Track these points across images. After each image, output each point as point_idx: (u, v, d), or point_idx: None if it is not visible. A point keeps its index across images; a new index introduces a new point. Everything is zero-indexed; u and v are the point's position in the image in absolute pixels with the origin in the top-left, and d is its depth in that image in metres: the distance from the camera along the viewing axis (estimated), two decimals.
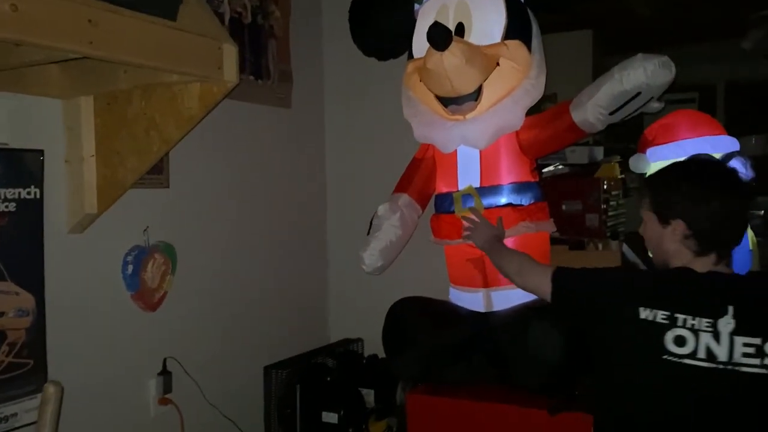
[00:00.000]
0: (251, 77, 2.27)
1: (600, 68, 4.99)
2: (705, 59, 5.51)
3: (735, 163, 2.65)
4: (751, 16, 4.43)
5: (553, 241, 2.52)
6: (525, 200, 1.87)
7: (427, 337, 1.88)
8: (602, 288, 1.38)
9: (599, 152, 3.50)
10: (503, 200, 1.87)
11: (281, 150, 2.44)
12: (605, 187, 3.36)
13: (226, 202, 2.20)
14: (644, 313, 1.28)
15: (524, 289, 1.60)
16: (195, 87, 1.52)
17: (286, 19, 2.43)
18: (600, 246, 2.33)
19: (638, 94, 1.63)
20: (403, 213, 1.97)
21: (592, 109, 1.70)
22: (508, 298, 1.88)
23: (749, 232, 2.05)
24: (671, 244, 1.36)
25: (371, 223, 1.98)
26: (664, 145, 2.83)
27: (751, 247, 2.13)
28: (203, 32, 1.44)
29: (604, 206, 3.31)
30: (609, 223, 3.45)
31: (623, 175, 3.68)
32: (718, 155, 2.63)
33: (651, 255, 1.49)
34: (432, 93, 1.85)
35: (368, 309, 2.15)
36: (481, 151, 1.88)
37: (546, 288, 1.47)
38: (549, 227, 1.92)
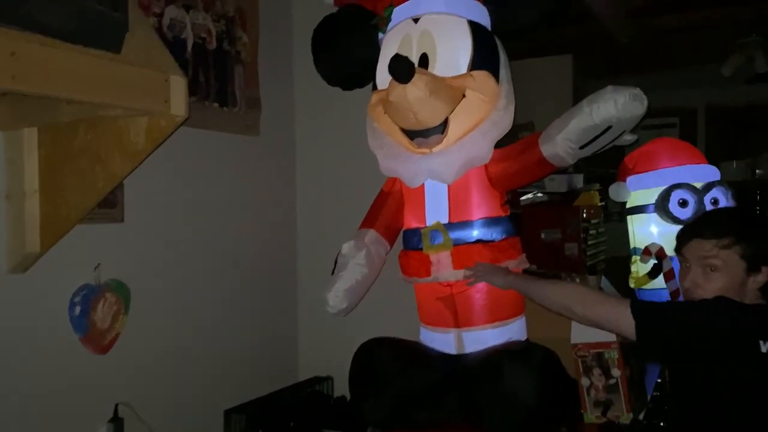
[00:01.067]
0: (216, 104, 2.19)
1: (580, 93, 4.99)
2: (685, 84, 5.55)
3: (716, 193, 2.59)
4: (731, 42, 4.48)
5: (529, 274, 2.45)
6: (496, 236, 1.80)
7: (396, 380, 1.79)
8: (707, 324, 1.35)
9: (579, 180, 3.45)
10: (473, 236, 1.79)
11: (249, 179, 2.36)
12: (585, 215, 3.30)
13: (187, 236, 2.10)
14: (765, 347, 1.27)
15: (586, 322, 1.55)
16: (142, 120, 1.44)
17: (254, 45, 2.36)
18: (578, 280, 2.25)
19: (609, 128, 1.57)
20: (369, 250, 1.89)
21: (561, 143, 1.63)
22: (480, 339, 1.80)
23: None
24: (750, 290, 1.40)
25: (336, 262, 1.89)
26: (645, 174, 2.75)
27: None
28: (149, 63, 1.36)
29: (583, 235, 3.26)
30: (589, 252, 3.39)
31: (603, 202, 3.64)
32: (698, 185, 2.57)
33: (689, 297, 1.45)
34: (397, 125, 1.79)
35: (339, 346, 2.05)
36: (449, 186, 1.80)
37: (625, 322, 1.41)
38: (522, 263, 1.85)
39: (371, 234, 1.92)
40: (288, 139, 2.57)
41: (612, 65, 5.00)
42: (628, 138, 1.67)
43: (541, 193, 3.38)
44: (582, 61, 4.75)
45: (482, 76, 1.74)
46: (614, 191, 2.95)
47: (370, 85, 1.94)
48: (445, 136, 1.75)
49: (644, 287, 2.65)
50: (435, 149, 1.77)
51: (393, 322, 2.10)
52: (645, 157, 2.91)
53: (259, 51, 2.38)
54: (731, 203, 2.53)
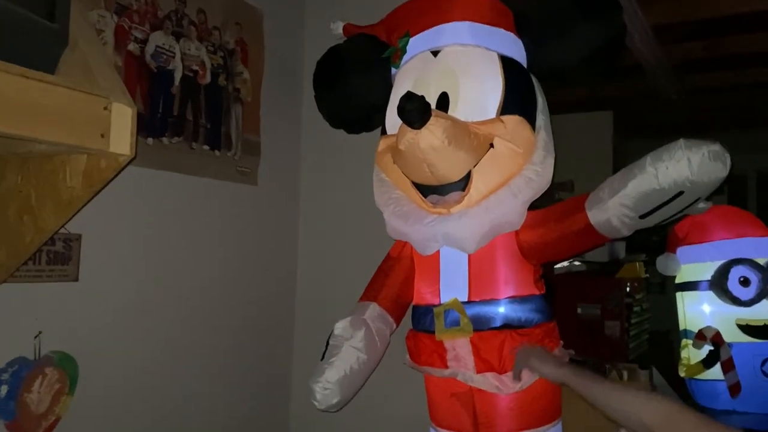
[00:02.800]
0: (206, 147, 1.90)
1: (620, 153, 4.66)
2: (735, 148, 5.15)
3: None
4: None
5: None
6: (528, 320, 1.43)
7: None
8: None
9: (621, 248, 3.10)
10: (499, 320, 1.42)
11: (241, 237, 2.04)
12: (628, 289, 2.92)
13: (159, 299, 1.78)
14: None
15: None
16: (79, 160, 1.14)
17: (257, 82, 2.09)
18: (625, 375, 1.85)
19: (680, 193, 1.21)
20: (369, 330, 1.53)
21: (616, 209, 1.28)
22: None
23: None
24: None
25: (327, 343, 1.53)
26: (698, 245, 2.41)
27: None
28: (88, 87, 1.07)
29: (626, 312, 2.88)
30: (632, 332, 2.99)
31: (647, 275, 3.25)
32: (762, 260, 2.23)
33: None
34: (409, 178, 1.46)
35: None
36: (470, 255, 1.45)
37: None
38: (562, 357, 1.46)
39: (373, 308, 1.57)
40: (291, 192, 2.25)
41: (656, 124, 4.67)
42: (702, 206, 1.31)
43: (579, 261, 3.01)
44: (623, 118, 4.44)
45: (515, 122, 1.41)
46: (662, 264, 2.60)
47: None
48: (467, 194, 1.41)
49: (698, 377, 2.28)
50: (454, 210, 1.43)
51: (396, 416, 1.72)
52: (698, 226, 2.56)
53: (262, 89, 2.10)
54: None
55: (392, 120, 1.51)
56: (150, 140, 1.72)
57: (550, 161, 1.47)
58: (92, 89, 1.08)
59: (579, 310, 2.94)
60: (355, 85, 1.66)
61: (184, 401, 1.84)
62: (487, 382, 1.41)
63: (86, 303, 1.59)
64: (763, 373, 2.16)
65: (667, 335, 4.19)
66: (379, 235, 1.64)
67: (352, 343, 1.50)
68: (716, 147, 1.19)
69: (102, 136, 1.07)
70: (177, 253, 1.82)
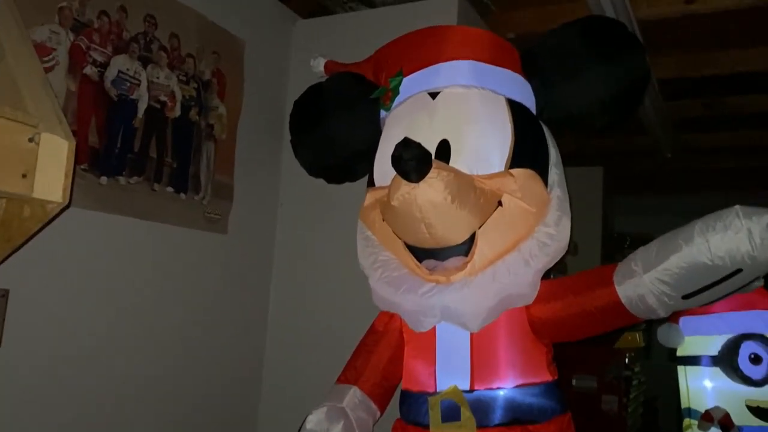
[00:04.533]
0: (170, 189, 1.67)
1: (609, 209, 4.52)
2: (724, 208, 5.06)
3: None
4: None
5: None
6: (541, 413, 1.20)
7: None
8: None
9: None
10: (506, 413, 1.18)
11: (205, 292, 1.78)
12: (627, 360, 2.73)
13: (110, 362, 1.51)
14: None
15: None
16: None
17: (235, 119, 1.88)
18: None
19: (737, 271, 1.01)
20: (348, 422, 1.27)
21: (652, 286, 1.07)
22: None
23: None
24: None
25: None
26: (703, 316, 2.22)
27: None
28: (12, 114, 0.84)
29: (625, 386, 2.68)
30: (630, 408, 2.78)
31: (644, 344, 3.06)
32: None
33: None
34: (400, 239, 1.24)
35: None
36: (472, 334, 1.22)
37: None
38: None
39: (354, 393, 1.32)
40: (264, 243, 2.01)
41: (649, 183, 4.54)
42: (756, 284, 1.11)
43: None
44: (614, 174, 4.31)
45: (526, 176, 1.21)
46: (664, 334, 2.38)
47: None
48: (471, 260, 1.19)
49: None
50: (454, 278, 1.21)
51: None
52: None
53: (239, 127, 1.89)
54: None
55: (381, 170, 1.30)
56: (104, 179, 1.49)
57: (567, 223, 1.26)
58: (15, 115, 0.85)
59: (574, 382, 2.73)
60: (338, 128, 1.44)
61: None
62: None
63: (11, 368, 1.32)
64: None
65: (653, 402, 3.97)
66: (362, 302, 1.41)
67: None
68: None
69: (24, 176, 0.83)
70: (132, 310, 1.56)
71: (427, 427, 1.22)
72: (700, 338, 2.31)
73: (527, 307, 1.23)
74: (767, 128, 3.29)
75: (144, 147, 1.59)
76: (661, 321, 2.01)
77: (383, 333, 1.37)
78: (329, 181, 1.55)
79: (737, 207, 1.01)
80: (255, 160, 1.95)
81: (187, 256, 1.72)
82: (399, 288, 1.26)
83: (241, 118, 1.90)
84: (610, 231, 4.46)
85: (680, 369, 2.44)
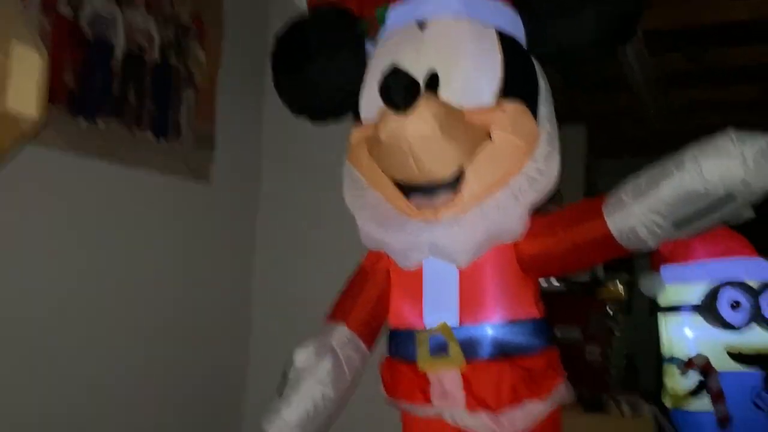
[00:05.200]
0: (150, 134, 1.62)
1: (593, 172, 4.53)
2: None
3: None
4: None
5: None
6: (529, 347, 1.20)
7: None
8: None
9: (600, 268, 2.94)
10: (494, 348, 1.18)
11: (188, 243, 1.76)
12: (610, 312, 2.76)
13: (86, 312, 1.49)
14: None
15: None
16: None
17: (214, 66, 1.83)
18: (626, 409, 1.63)
19: (729, 198, 1.00)
20: (337, 359, 1.27)
21: (643, 216, 1.07)
22: None
23: None
24: None
25: (285, 376, 1.27)
26: (683, 265, 2.25)
27: None
28: None
29: (606, 336, 2.72)
30: (612, 358, 2.83)
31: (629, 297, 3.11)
32: (753, 283, 2.06)
33: None
34: (387, 175, 1.22)
35: None
36: (461, 270, 1.21)
37: None
38: (566, 392, 1.23)
39: (342, 332, 1.31)
40: (249, 193, 1.98)
41: (632, 143, 4.56)
42: (746, 214, 1.10)
43: (558, 280, 2.83)
44: (598, 134, 4.31)
45: (516, 110, 1.19)
46: (647, 284, 2.41)
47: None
48: (459, 195, 1.18)
49: (684, 408, 2.10)
50: (442, 214, 1.19)
51: None
52: (683, 244, 2.40)
53: (219, 74, 1.84)
54: None
55: (369, 105, 1.27)
56: (82, 121, 1.45)
57: (556, 158, 1.25)
58: None
59: (558, 333, 2.76)
60: (323, 65, 1.39)
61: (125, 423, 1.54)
62: (481, 422, 1.17)
63: None
64: (755, 404, 2.00)
65: (632, 359, 4.07)
66: (350, 245, 1.39)
67: (316, 376, 1.23)
68: None
69: None
70: (111, 258, 1.53)
71: (414, 362, 1.22)
72: (681, 287, 2.34)
73: (516, 243, 1.22)
74: (751, 82, 3.30)
75: (122, 90, 1.54)
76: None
77: (371, 273, 1.35)
78: (313, 120, 1.52)
79: (731, 131, 1.01)
80: (237, 109, 1.91)
81: (169, 204, 1.69)
82: (387, 226, 1.24)
83: (222, 66, 1.86)
84: (593, 192, 4.49)
85: (661, 318, 2.48)
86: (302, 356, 1.23)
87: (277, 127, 1.94)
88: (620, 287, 2.75)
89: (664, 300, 2.35)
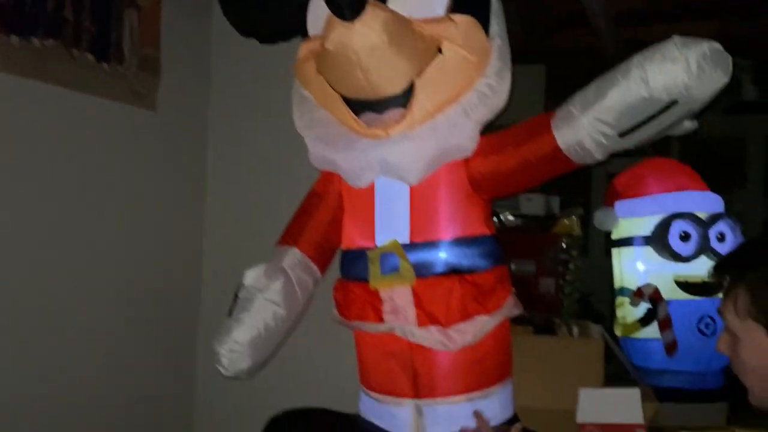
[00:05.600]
0: (89, 56, 1.54)
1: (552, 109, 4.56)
2: None
3: (722, 227, 2.16)
4: None
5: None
6: (479, 264, 1.21)
7: None
8: None
9: (556, 203, 2.98)
10: (444, 264, 1.19)
11: (133, 173, 1.69)
12: (564, 245, 2.82)
13: (25, 254, 1.42)
14: None
15: None
16: None
17: None
18: (576, 331, 1.69)
19: (673, 103, 1.01)
20: (288, 280, 1.27)
21: (591, 126, 1.07)
22: (449, 416, 1.21)
23: None
24: None
25: (235, 297, 1.26)
26: (636, 199, 2.32)
27: None
28: None
29: (561, 269, 2.78)
30: (566, 290, 2.90)
31: (583, 232, 3.17)
32: (702, 215, 2.14)
33: (747, 383, 0.95)
34: (336, 92, 1.19)
35: (249, 412, 1.44)
36: (411, 188, 1.21)
37: None
38: (514, 307, 1.26)
39: (293, 254, 1.31)
40: (198, 120, 1.90)
41: (592, 80, 4.56)
42: (689, 125, 1.12)
43: (513, 215, 2.86)
44: (557, 73, 4.31)
45: (467, 23, 1.17)
46: (601, 218, 2.48)
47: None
48: (409, 112, 1.16)
49: (633, 336, 2.21)
50: (393, 131, 1.18)
51: (321, 382, 1.48)
52: (637, 180, 2.46)
53: None
54: (740, 239, 2.09)
55: (315, 18, 1.23)
56: (15, 39, 1.36)
57: (507, 75, 1.24)
58: None
59: (513, 267, 2.82)
60: None
61: (60, 371, 1.51)
62: (431, 337, 1.19)
63: None
64: (699, 331, 2.09)
65: (588, 297, 4.21)
66: (304, 170, 1.37)
67: (267, 296, 1.23)
68: (717, 46, 1.00)
69: None
70: (47, 188, 1.46)
71: (366, 281, 1.22)
72: (633, 220, 2.40)
73: (467, 162, 1.22)
74: (710, 18, 3.32)
75: (58, 7, 1.45)
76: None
77: (322, 195, 1.34)
78: (262, 41, 1.46)
79: (675, 37, 1.01)
80: (183, 32, 1.82)
81: (112, 131, 1.62)
82: (336, 145, 1.22)
83: None
84: None
85: (614, 252, 2.55)
86: (252, 276, 1.23)
87: (225, 50, 1.86)
88: (575, 221, 2.80)
89: (617, 233, 2.41)
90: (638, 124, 1.04)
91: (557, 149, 1.12)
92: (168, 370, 1.80)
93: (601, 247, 4.06)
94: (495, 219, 2.82)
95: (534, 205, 2.83)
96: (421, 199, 1.21)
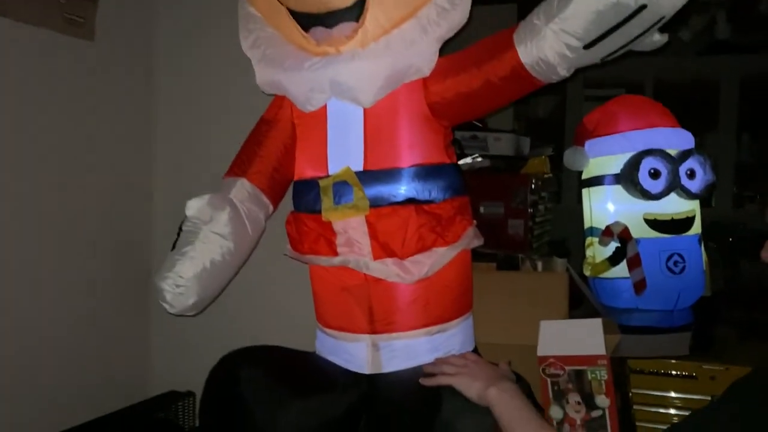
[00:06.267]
0: None
1: None
2: (634, 54, 5.13)
3: (692, 163, 2.14)
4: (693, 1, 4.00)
5: (475, 254, 1.85)
6: (437, 194, 1.15)
7: (273, 419, 1.11)
8: None
9: (526, 144, 2.92)
10: (401, 193, 1.13)
11: (70, 111, 1.56)
12: (533, 186, 2.78)
13: None
14: None
15: None
16: None
17: None
18: (540, 265, 1.65)
19: (641, 8, 0.93)
20: (236, 211, 1.19)
21: (554, 38, 0.99)
22: (408, 351, 1.17)
23: (703, 252, 1.69)
24: None
25: (180, 231, 1.18)
26: (607, 137, 2.28)
27: (704, 268, 1.79)
28: None
29: (531, 210, 2.75)
30: (536, 232, 2.88)
31: (553, 173, 3.14)
32: (673, 151, 2.12)
33: None
34: (283, 5, 1.09)
35: (204, 351, 1.37)
36: (365, 111, 1.13)
37: None
38: (474, 238, 1.21)
39: (242, 185, 1.22)
40: (141, 50, 1.76)
41: None
42: (658, 39, 1.05)
43: (482, 156, 2.80)
44: (529, 12, 4.19)
45: None
46: (570, 157, 2.43)
47: None
48: (362, 27, 1.07)
49: (603, 276, 2.20)
50: (344, 47, 1.09)
51: (275, 319, 1.43)
52: (607, 117, 2.41)
53: None
54: (710, 176, 2.06)
55: None
56: None
57: None
58: None
59: (481, 209, 2.79)
60: None
61: (22, 313, 1.43)
62: (387, 269, 1.13)
63: None
64: (668, 269, 2.09)
65: (563, 243, 4.22)
66: (257, 99, 1.27)
67: (214, 228, 1.15)
68: None
69: None
70: None
71: (319, 212, 1.15)
72: (604, 159, 2.35)
73: (425, 84, 1.13)
74: None
75: None
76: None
77: (273, 122, 1.25)
78: None
79: None
80: None
81: (44, 62, 1.48)
82: (284, 66, 1.13)
83: None
84: None
85: (585, 192, 2.51)
86: (195, 207, 1.14)
87: None
88: (545, 161, 2.75)
89: (587, 173, 2.37)
90: (604, 34, 0.96)
91: (520, 66, 1.04)
92: (121, 311, 1.73)
93: (574, 192, 4.05)
94: (469, 160, 2.77)
95: (503, 145, 2.77)
96: (375, 124, 1.13)
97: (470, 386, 1.03)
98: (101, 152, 1.64)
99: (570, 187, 4.18)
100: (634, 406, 1.57)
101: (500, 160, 2.81)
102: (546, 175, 2.85)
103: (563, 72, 1.03)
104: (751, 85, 4.40)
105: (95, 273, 1.63)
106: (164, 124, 1.78)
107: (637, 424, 1.59)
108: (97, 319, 1.64)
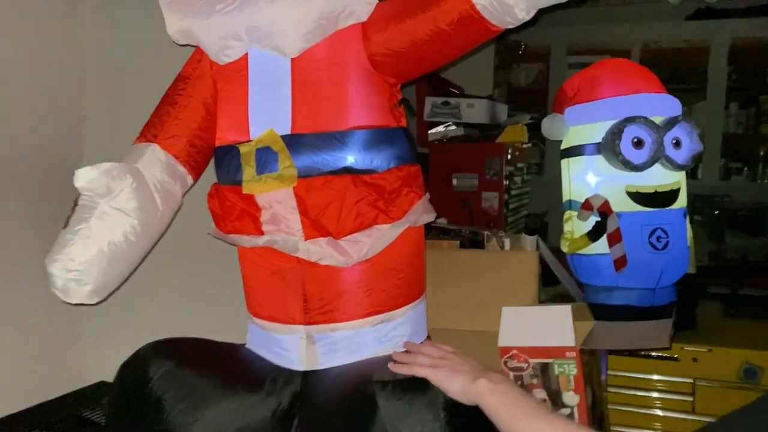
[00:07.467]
0: None
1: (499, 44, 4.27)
2: (620, 19, 4.96)
3: (679, 132, 1.98)
4: None
5: (436, 231, 1.69)
6: (380, 162, 0.98)
7: (185, 419, 0.95)
8: None
9: (503, 111, 2.76)
10: (339, 162, 0.96)
11: None
12: (509, 156, 2.62)
13: None
14: None
15: None
16: None
17: None
18: (507, 243, 1.49)
19: None
20: (142, 182, 1.01)
21: None
22: (349, 343, 1.01)
23: (688, 227, 1.62)
24: None
25: (74, 206, 1.00)
26: (588, 104, 2.11)
27: (689, 244, 1.68)
28: None
29: (506, 182, 2.60)
30: (511, 205, 2.73)
31: (535, 144, 2.98)
32: (657, 119, 1.96)
33: None
34: None
35: (135, 338, 1.20)
36: (293, 62, 0.95)
37: None
38: (425, 215, 1.04)
39: (152, 152, 1.04)
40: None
41: None
42: None
43: (456, 124, 2.64)
44: None
45: None
46: (548, 126, 2.25)
47: None
48: None
49: (581, 252, 2.05)
50: None
51: (206, 310, 1.27)
52: (589, 83, 2.24)
53: None
54: (697, 146, 1.90)
55: None
56: None
57: None
58: None
59: (454, 182, 2.63)
60: None
61: None
62: (320, 251, 0.96)
63: None
64: (650, 245, 1.97)
65: (542, 217, 4.10)
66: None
67: (114, 203, 0.97)
68: None
69: None
70: None
71: (241, 184, 0.98)
72: (584, 127, 2.19)
73: (365, 33, 0.96)
74: None
75: None
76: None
77: (190, 78, 1.07)
78: None
79: None
80: None
81: None
82: (193, 8, 0.94)
83: None
84: (504, 38, 4.27)
85: (563, 162, 2.35)
86: (86, 177, 0.95)
87: None
88: (522, 129, 2.58)
89: (566, 142, 2.21)
90: None
91: (471, 7, 0.87)
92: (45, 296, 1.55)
93: (558, 163, 3.91)
94: (441, 129, 2.61)
95: (477, 112, 2.60)
96: (305, 79, 0.95)
97: (452, 379, 0.86)
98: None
99: (553, 158, 4.03)
100: (611, 389, 1.43)
101: (474, 128, 2.64)
102: (524, 145, 2.69)
103: (521, 14, 0.86)
104: (741, 51, 4.26)
105: (17, 251, 1.43)
106: (99, 68, 1.54)
107: (614, 408, 1.46)
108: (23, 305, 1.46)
